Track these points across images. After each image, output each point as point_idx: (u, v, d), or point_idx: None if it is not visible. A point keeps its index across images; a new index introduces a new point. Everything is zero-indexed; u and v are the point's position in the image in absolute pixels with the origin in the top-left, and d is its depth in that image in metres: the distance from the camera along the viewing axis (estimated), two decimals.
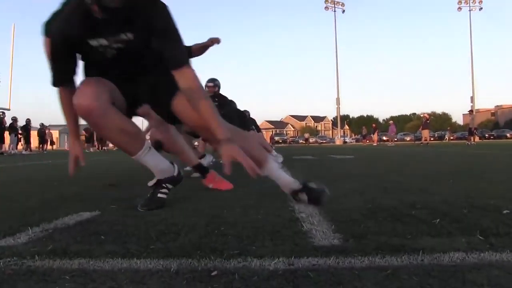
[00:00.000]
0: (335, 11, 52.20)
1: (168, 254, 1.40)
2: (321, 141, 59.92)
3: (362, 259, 1.30)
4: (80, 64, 2.09)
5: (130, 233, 1.72)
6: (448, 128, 54.69)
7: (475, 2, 49.18)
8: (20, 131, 20.13)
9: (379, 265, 1.24)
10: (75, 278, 1.19)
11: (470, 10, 49.34)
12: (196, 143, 6.76)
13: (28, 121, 21.15)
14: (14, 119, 19.87)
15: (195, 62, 2.15)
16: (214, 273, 1.20)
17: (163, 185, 2.38)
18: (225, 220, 1.95)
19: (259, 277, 1.16)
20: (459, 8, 49.82)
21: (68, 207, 2.36)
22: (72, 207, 2.36)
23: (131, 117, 2.31)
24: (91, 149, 24.51)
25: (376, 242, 1.49)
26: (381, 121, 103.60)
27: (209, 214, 2.10)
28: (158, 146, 3.09)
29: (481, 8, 49.50)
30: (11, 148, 19.62)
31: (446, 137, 49.09)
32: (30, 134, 21.06)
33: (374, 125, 33.73)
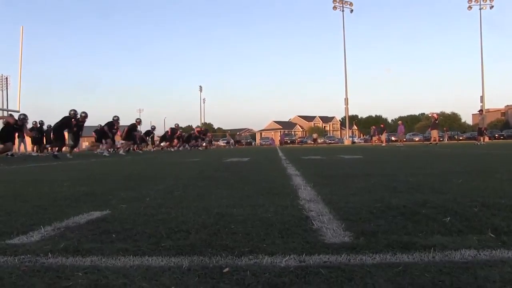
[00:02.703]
0: (343, 10, 51.98)
1: (179, 252, 1.40)
2: (329, 141, 59.69)
3: (373, 256, 1.29)
4: None
5: (141, 231, 1.73)
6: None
7: (486, 0, 48.67)
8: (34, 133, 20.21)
9: (391, 262, 1.24)
10: (88, 274, 1.20)
11: (480, 9, 48.87)
12: None
13: (41, 123, 21.27)
14: (34, 123, 20.06)
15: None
16: (226, 269, 1.21)
17: None
18: (235, 218, 1.96)
19: (271, 274, 1.17)
20: (469, 7, 49.38)
21: (79, 207, 2.39)
22: (83, 207, 2.38)
23: None
24: (112, 150, 24.53)
25: (387, 239, 1.48)
26: (390, 121, 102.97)
27: (219, 213, 2.11)
28: None
29: (492, 7, 48.94)
30: (25, 150, 19.85)
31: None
32: (44, 136, 21.20)
33: (382, 125, 33.53)
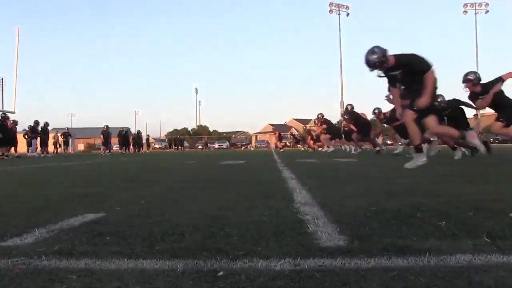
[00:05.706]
0: (339, 14, 51.99)
1: (174, 255, 1.40)
2: None
3: (368, 260, 1.29)
4: None
5: (135, 234, 1.72)
6: None
7: (481, 5, 48.91)
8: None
9: (385, 266, 1.24)
10: (82, 277, 1.19)
11: (476, 14, 49.10)
12: None
13: (46, 124, 21.04)
14: (36, 123, 19.90)
15: None
16: (220, 273, 1.21)
17: None
18: (230, 221, 1.95)
19: (265, 278, 1.16)
20: (465, 12, 49.60)
21: (73, 209, 2.38)
22: (77, 209, 2.37)
23: None
24: (107, 152, 24.48)
25: (382, 243, 1.48)
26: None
27: (214, 215, 2.10)
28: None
29: (487, 11, 49.18)
30: (30, 151, 19.72)
31: None
32: (48, 137, 21.00)
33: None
